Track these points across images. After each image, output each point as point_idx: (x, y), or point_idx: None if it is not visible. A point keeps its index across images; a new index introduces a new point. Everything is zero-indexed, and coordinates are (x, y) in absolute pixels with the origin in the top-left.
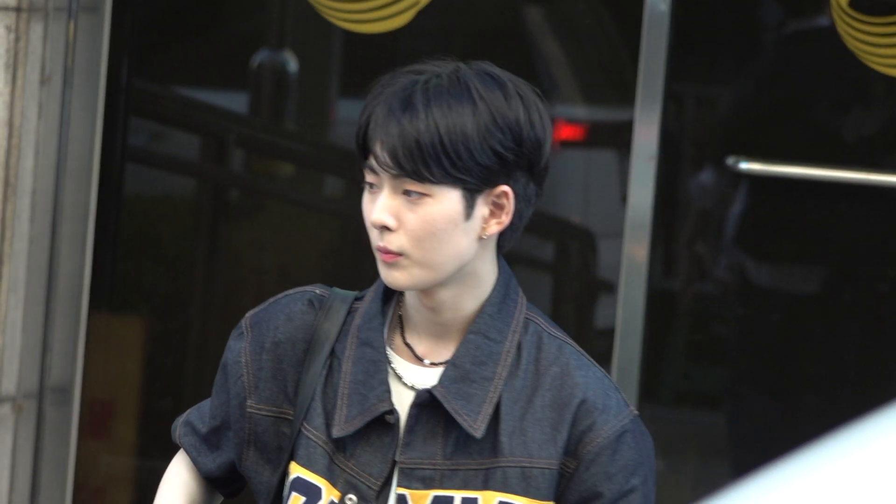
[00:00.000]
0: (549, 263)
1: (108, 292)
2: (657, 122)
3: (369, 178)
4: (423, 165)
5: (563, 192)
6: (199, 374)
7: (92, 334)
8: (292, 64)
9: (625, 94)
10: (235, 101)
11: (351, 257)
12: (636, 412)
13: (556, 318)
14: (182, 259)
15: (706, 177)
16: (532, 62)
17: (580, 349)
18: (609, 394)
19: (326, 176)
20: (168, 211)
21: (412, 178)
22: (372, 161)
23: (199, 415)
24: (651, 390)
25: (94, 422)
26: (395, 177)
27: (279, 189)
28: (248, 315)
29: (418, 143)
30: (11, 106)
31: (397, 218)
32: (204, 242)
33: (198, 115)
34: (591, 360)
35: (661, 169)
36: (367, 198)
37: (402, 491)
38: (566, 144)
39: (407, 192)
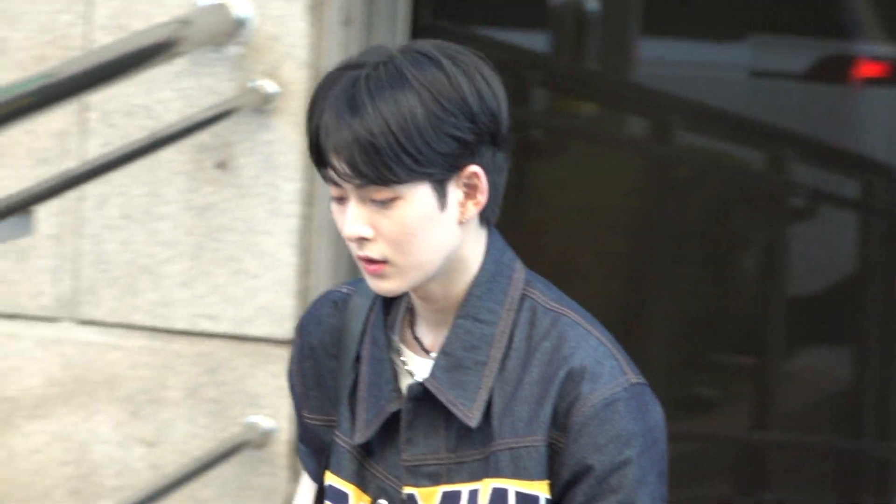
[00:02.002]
0: (855, 201)
1: None
2: None
3: (334, 191)
4: (385, 168)
5: (867, 129)
6: None
7: None
8: (592, 3)
9: None
10: (536, 41)
11: (655, 194)
12: (638, 380)
13: (862, 257)
14: None
15: None
16: (835, 1)
17: (580, 318)
18: (602, 361)
19: (628, 115)
20: None
21: (377, 183)
22: (331, 173)
23: None
24: None
25: None
26: (359, 186)
27: (582, 128)
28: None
29: (374, 146)
30: (316, 48)
31: (373, 226)
32: (507, 182)
33: (499, 54)
34: (593, 327)
35: None
36: (335, 208)
37: (409, 490)
38: (870, 82)
39: (375, 201)
